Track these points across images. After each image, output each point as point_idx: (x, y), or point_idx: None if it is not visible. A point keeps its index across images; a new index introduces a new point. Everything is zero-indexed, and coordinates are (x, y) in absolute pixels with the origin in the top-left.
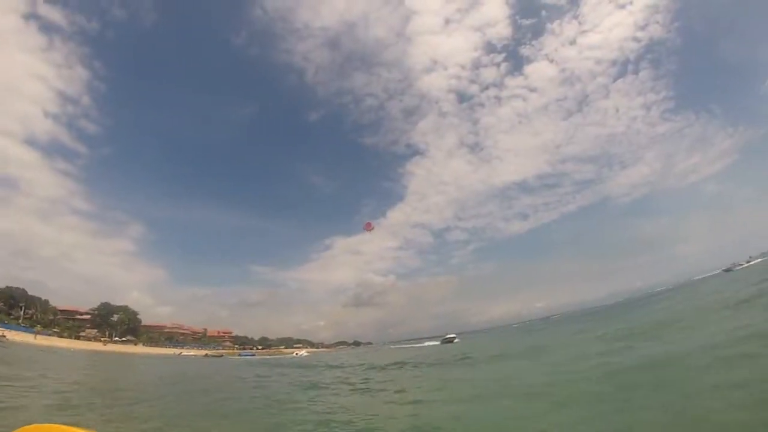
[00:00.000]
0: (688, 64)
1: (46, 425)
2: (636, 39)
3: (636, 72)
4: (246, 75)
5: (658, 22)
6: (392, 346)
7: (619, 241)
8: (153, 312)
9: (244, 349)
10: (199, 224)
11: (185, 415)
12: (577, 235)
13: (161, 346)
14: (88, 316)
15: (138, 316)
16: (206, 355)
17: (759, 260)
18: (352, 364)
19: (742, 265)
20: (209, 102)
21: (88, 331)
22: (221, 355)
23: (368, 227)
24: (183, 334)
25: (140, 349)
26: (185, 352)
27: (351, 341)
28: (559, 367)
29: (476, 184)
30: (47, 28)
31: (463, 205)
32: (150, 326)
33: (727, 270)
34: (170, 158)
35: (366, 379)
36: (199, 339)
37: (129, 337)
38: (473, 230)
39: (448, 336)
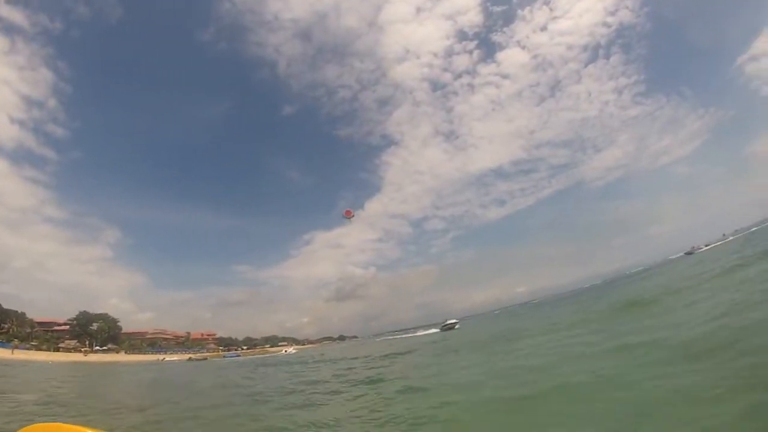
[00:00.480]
0: (658, 48)
1: (52, 424)
2: (606, 24)
3: (607, 57)
4: (217, 71)
5: (627, 8)
6: (380, 339)
7: (595, 224)
8: (134, 318)
9: (229, 350)
10: (175, 226)
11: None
12: (553, 219)
13: (144, 353)
14: (67, 327)
15: (118, 324)
16: (190, 359)
17: (719, 243)
18: (345, 358)
19: (701, 248)
20: (181, 100)
21: (67, 342)
22: (205, 358)
23: (348, 214)
24: (165, 339)
25: (122, 357)
26: (168, 357)
27: (336, 336)
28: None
29: (452, 172)
30: (8, 29)
31: (440, 194)
32: (131, 333)
33: (688, 253)
34: (143, 159)
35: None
36: (182, 343)
37: (110, 346)
38: (451, 218)
39: (448, 322)
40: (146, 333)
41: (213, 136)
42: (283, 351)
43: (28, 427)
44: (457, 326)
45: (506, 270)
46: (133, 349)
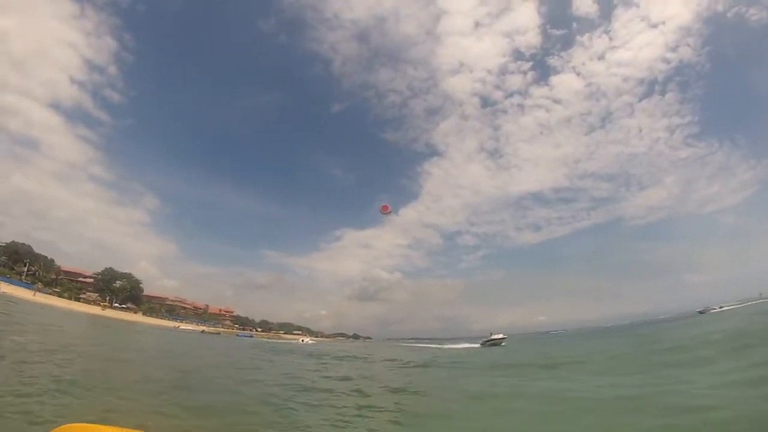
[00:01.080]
0: (716, 90)
1: (82, 425)
2: (665, 60)
3: (663, 93)
4: (273, 62)
5: (689, 45)
6: (404, 344)
7: (630, 264)
8: (159, 284)
9: (244, 329)
10: (213, 203)
11: None
12: (587, 252)
13: (161, 318)
14: (91, 280)
15: (141, 285)
16: (203, 331)
17: (737, 305)
18: (373, 359)
19: (715, 309)
20: (234, 86)
21: (88, 294)
22: (218, 333)
23: (385, 209)
24: (184, 307)
25: (139, 317)
26: (183, 325)
27: (351, 334)
28: None
29: (492, 191)
30: None
31: (477, 211)
32: (152, 296)
33: (701, 312)
34: (190, 136)
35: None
36: (200, 315)
37: (129, 305)
38: (484, 236)
39: (494, 337)
40: (167, 299)
41: (260, 124)
42: (300, 340)
43: (62, 426)
44: (503, 343)
45: (531, 297)
46: (151, 312)
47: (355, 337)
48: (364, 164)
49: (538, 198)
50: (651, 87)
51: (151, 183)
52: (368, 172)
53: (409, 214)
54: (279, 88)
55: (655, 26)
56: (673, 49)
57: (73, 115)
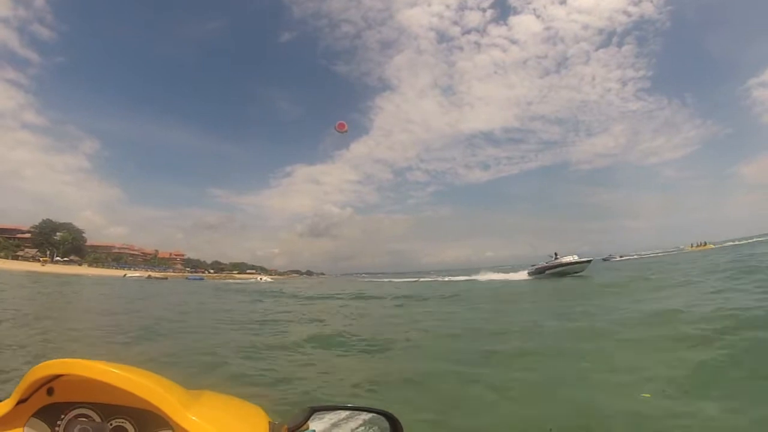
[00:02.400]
0: (672, 48)
1: (62, 360)
2: (627, 13)
3: (620, 45)
4: None
5: (651, 1)
6: (362, 278)
7: (574, 206)
8: (106, 232)
9: (195, 272)
10: (156, 142)
11: None
12: (534, 193)
13: (108, 268)
14: (29, 235)
15: (83, 235)
16: (149, 276)
17: (633, 257)
18: (350, 294)
19: (616, 258)
20: (174, 12)
21: (27, 250)
22: (166, 278)
23: (341, 128)
24: (132, 254)
25: (84, 270)
26: (130, 273)
27: (304, 270)
28: None
29: (443, 128)
30: None
31: (428, 147)
32: (96, 246)
33: (605, 260)
34: (128, 71)
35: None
36: (149, 261)
37: (73, 257)
38: (434, 173)
39: (566, 260)
40: (113, 247)
41: (203, 55)
42: (258, 278)
43: (43, 363)
44: (581, 272)
45: (479, 233)
46: (96, 262)
47: (308, 273)
48: (313, 97)
49: (489, 137)
50: (609, 38)
51: (89, 125)
52: (318, 105)
53: (359, 148)
54: (224, 16)
55: None
56: (636, 3)
57: None
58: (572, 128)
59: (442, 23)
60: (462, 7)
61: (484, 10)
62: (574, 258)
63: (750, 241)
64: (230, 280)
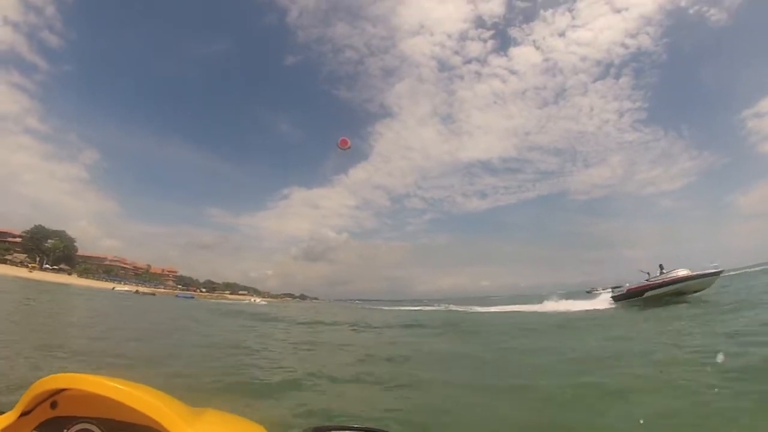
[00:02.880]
0: (668, 80)
1: (66, 374)
2: (624, 45)
3: (617, 77)
4: (225, 8)
5: (648, 34)
6: (357, 305)
7: (570, 235)
8: (100, 244)
9: (187, 290)
10: (155, 158)
11: None
12: (531, 222)
13: (98, 279)
14: (20, 239)
15: (75, 244)
16: (137, 291)
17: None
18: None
19: (599, 291)
20: (182, 31)
21: (16, 255)
22: (154, 294)
23: (344, 144)
24: (124, 268)
25: (72, 279)
26: (119, 287)
27: (297, 294)
28: None
29: (442, 156)
30: None
31: (426, 175)
32: (88, 256)
33: (588, 292)
34: (132, 85)
35: None
36: (141, 275)
37: (63, 266)
38: (432, 200)
39: (681, 274)
40: (105, 259)
41: (208, 75)
42: (252, 299)
43: (49, 377)
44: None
45: (476, 261)
46: (87, 273)
47: (302, 297)
48: (314, 121)
49: (487, 166)
50: (607, 69)
51: (91, 136)
52: (318, 129)
53: (358, 174)
54: (230, 37)
55: (618, 11)
56: (633, 36)
57: (6, 59)
58: (570, 158)
59: (444, 52)
60: (463, 38)
61: (485, 41)
62: (691, 272)
63: (739, 272)
64: (222, 300)
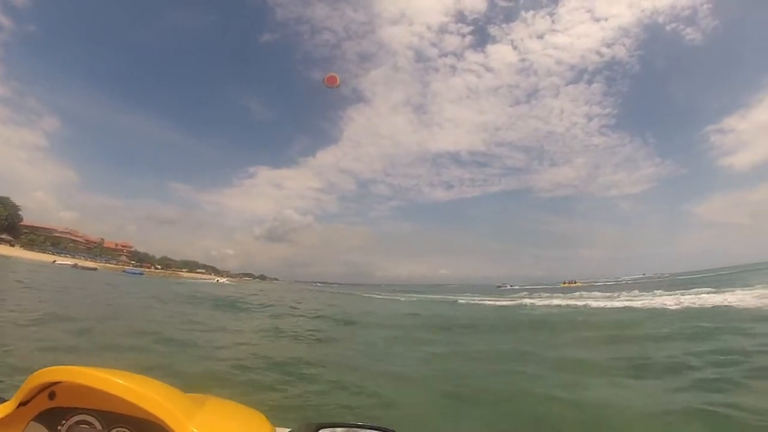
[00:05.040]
0: (638, 90)
1: (63, 367)
2: (599, 53)
3: (589, 83)
4: None
5: (623, 45)
6: (316, 287)
7: (531, 232)
8: (56, 216)
9: (141, 266)
10: (119, 128)
11: None
12: (494, 215)
13: (43, 251)
14: None
15: (19, 213)
16: (75, 265)
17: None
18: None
19: (507, 287)
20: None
21: None
22: (95, 269)
23: (331, 82)
24: (74, 241)
25: (12, 251)
26: (61, 260)
27: (257, 274)
28: None
29: (412, 145)
30: None
31: (394, 162)
32: (34, 226)
33: (499, 287)
34: (99, 51)
35: None
36: (92, 249)
37: (4, 236)
38: (398, 188)
39: None
40: (54, 230)
41: (179, 47)
42: (217, 279)
43: (46, 369)
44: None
45: (435, 251)
46: (31, 244)
47: (262, 277)
48: (285, 102)
49: (455, 158)
50: (580, 75)
51: (52, 101)
52: (289, 110)
53: (326, 157)
54: (206, 9)
55: (597, 20)
56: (609, 45)
57: None
58: (537, 157)
59: (422, 43)
60: (443, 30)
61: (463, 36)
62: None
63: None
64: (174, 279)
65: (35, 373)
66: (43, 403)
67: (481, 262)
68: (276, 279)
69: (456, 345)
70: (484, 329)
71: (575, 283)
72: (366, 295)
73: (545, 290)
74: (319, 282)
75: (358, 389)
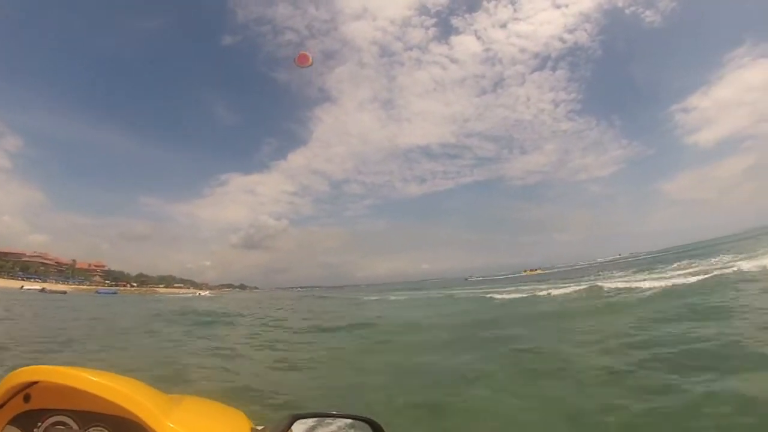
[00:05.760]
0: (602, 75)
1: (39, 367)
2: (562, 39)
3: (554, 69)
4: None
5: (585, 30)
6: (297, 292)
7: (506, 220)
8: (26, 240)
9: (116, 285)
10: (84, 144)
11: None
12: (469, 206)
13: (13, 278)
14: None
15: None
16: (43, 290)
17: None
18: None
19: (473, 278)
20: (115, 6)
21: None
22: (64, 292)
23: (304, 61)
24: (45, 264)
25: None
26: (28, 285)
27: (237, 284)
28: None
29: (382, 141)
30: None
31: (365, 160)
32: (4, 252)
33: (466, 279)
34: (59, 63)
35: None
36: (64, 272)
37: None
38: (371, 186)
39: None
40: (23, 254)
41: (141, 54)
42: (199, 293)
43: (15, 371)
44: None
45: (414, 246)
46: (0, 271)
47: (242, 287)
48: (251, 104)
49: (426, 151)
50: (544, 62)
51: (13, 120)
52: (256, 113)
53: (296, 159)
54: (165, 13)
55: (558, 7)
56: (571, 31)
57: None
58: (506, 145)
59: (386, 38)
60: (406, 24)
61: (427, 29)
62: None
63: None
64: (150, 296)
65: (10, 374)
66: (18, 407)
67: (459, 253)
68: (256, 288)
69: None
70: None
71: (536, 270)
72: (353, 296)
73: (507, 280)
74: (300, 287)
75: None
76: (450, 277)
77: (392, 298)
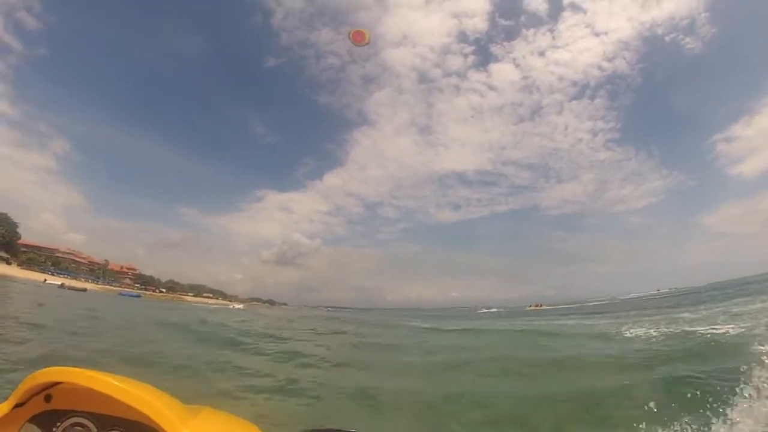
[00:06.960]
0: (641, 103)
1: (62, 368)
2: (600, 68)
3: (592, 98)
4: (210, 4)
5: (624, 58)
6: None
7: (541, 249)
8: (64, 238)
9: (146, 289)
10: (127, 152)
11: None
12: (502, 235)
13: (44, 272)
14: None
15: (17, 231)
16: (62, 285)
17: (495, 309)
18: None
19: (484, 310)
20: (164, 24)
21: None
22: (84, 290)
23: (360, 39)
24: (77, 261)
25: (7, 269)
26: (51, 279)
27: (266, 299)
28: None
29: (417, 166)
30: None
31: (401, 184)
32: (35, 245)
33: (478, 311)
34: (109, 75)
35: None
36: (95, 271)
37: (1, 254)
38: (405, 210)
39: None
40: (57, 250)
41: (187, 71)
42: (232, 306)
43: (43, 370)
44: None
45: (445, 273)
46: (30, 263)
47: (271, 302)
48: (291, 125)
49: (461, 178)
50: (583, 90)
51: (62, 125)
52: (295, 133)
53: (332, 180)
54: (214, 35)
55: (597, 35)
56: (610, 59)
57: None
58: (543, 174)
59: (425, 64)
60: (445, 51)
61: (466, 56)
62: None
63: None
64: (175, 302)
65: (33, 373)
66: (38, 406)
67: (490, 282)
68: (285, 304)
69: None
70: None
71: (541, 306)
72: (396, 322)
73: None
74: (329, 306)
75: None
76: (476, 305)
77: (450, 327)
